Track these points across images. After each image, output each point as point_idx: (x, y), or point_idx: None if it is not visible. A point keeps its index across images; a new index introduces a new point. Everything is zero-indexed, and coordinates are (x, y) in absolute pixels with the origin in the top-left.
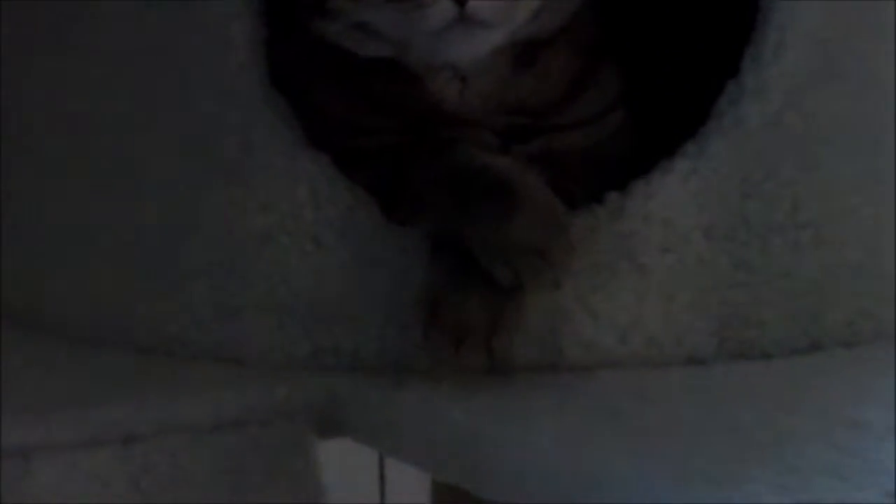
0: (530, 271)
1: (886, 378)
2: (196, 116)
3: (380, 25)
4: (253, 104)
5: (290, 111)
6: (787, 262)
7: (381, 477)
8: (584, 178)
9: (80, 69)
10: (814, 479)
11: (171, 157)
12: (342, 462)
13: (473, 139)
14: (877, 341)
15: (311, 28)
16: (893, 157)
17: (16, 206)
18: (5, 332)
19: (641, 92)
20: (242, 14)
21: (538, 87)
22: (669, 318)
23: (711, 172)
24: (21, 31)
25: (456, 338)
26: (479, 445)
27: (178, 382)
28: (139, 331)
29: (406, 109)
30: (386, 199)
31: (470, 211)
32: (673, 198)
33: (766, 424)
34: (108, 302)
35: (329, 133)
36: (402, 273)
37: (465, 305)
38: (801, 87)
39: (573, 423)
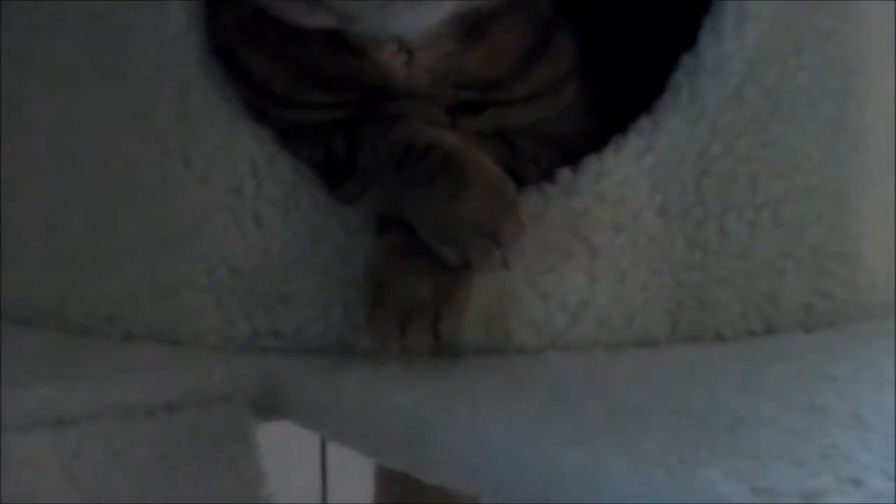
0: (479, 251)
1: (844, 362)
2: (131, 85)
3: None
4: (190, 73)
5: (231, 82)
6: (744, 242)
7: (323, 461)
8: (535, 154)
9: (11, 35)
10: (769, 465)
11: (105, 127)
12: (282, 446)
13: (420, 114)
14: (835, 324)
15: None
16: (855, 135)
17: None
18: None
19: (595, 65)
20: None
21: (488, 61)
22: (621, 299)
23: (666, 149)
24: None
25: (401, 319)
26: (425, 430)
27: (112, 363)
28: (71, 309)
29: (351, 83)
30: (330, 176)
31: (416, 189)
32: (626, 175)
33: (721, 409)
34: (37, 279)
35: (271, 107)
36: (346, 252)
37: (411, 286)
38: (761, 61)
39: (523, 408)
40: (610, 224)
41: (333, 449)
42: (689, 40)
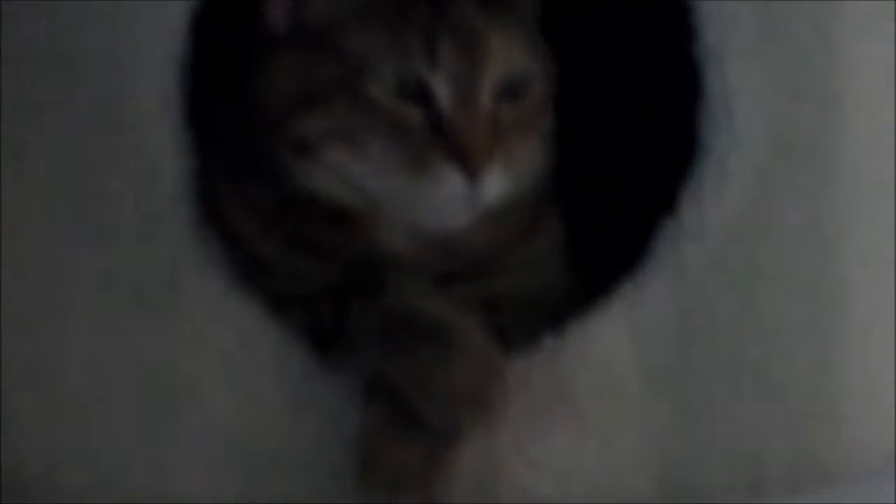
0: (466, 416)
1: None
2: (123, 251)
3: (371, 183)
4: (181, 240)
5: (221, 247)
6: (729, 406)
7: None
8: (520, 318)
9: (8, 198)
10: None
11: (98, 293)
12: None
13: (408, 282)
14: (819, 487)
15: (288, 170)
16: (835, 297)
17: None
18: None
19: (578, 230)
20: (171, 147)
21: (492, 238)
22: (608, 464)
23: (650, 314)
24: None
25: (391, 484)
26: None
27: None
28: (64, 476)
29: (343, 254)
30: (319, 342)
31: (404, 356)
32: (610, 340)
33: None
34: (31, 446)
35: (260, 274)
36: (336, 417)
37: (401, 453)
38: (742, 225)
39: None
40: (595, 389)
41: None
42: (671, 205)
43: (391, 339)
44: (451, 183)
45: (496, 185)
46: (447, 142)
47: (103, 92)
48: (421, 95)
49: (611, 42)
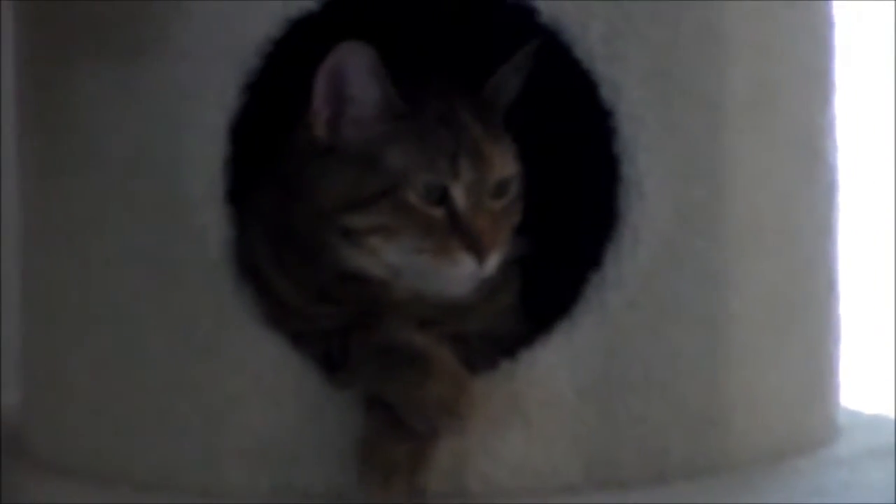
0: (442, 422)
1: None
2: (183, 300)
3: (400, 262)
4: (225, 292)
5: (256, 298)
6: (641, 413)
7: None
8: (483, 349)
9: (97, 272)
10: None
11: (162, 336)
12: None
13: (399, 322)
14: (710, 476)
15: (333, 251)
16: (723, 331)
17: (44, 371)
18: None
19: (528, 281)
20: (216, 223)
21: (471, 295)
22: (550, 457)
23: (581, 345)
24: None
25: (385, 476)
26: None
27: None
28: (139, 471)
29: (352, 303)
30: (329, 367)
31: (395, 376)
32: (551, 364)
33: None
34: (116, 447)
35: (286, 317)
36: (343, 425)
37: (392, 451)
38: (652, 277)
39: None
40: (540, 401)
41: None
42: (596, 260)
43: (384, 364)
44: (465, 265)
45: (494, 263)
46: (463, 235)
47: (164, 183)
48: (443, 199)
49: (553, 141)
